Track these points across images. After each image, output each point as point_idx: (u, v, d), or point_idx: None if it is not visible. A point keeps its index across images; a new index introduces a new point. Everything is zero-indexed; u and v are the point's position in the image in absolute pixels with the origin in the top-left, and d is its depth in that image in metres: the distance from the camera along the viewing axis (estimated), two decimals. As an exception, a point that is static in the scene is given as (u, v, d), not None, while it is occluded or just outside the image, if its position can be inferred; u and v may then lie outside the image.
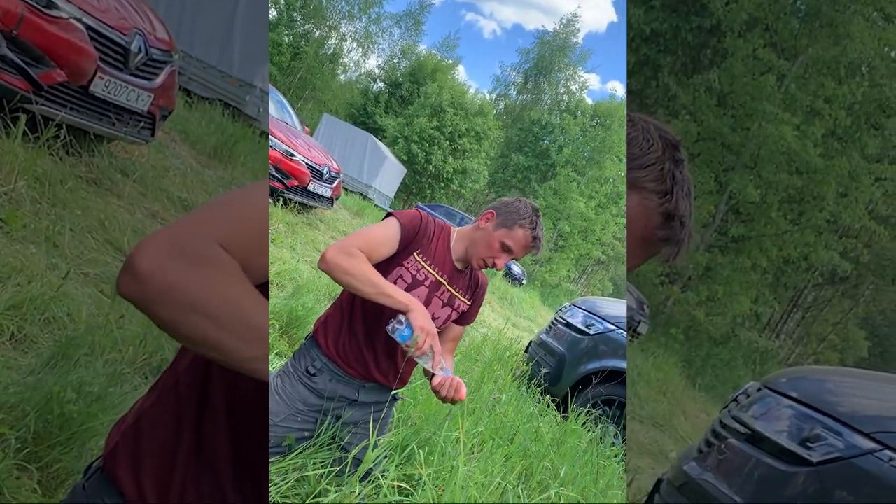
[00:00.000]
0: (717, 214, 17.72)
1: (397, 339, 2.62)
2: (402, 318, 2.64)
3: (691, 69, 19.73)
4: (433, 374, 2.79)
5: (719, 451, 3.72)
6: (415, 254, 2.91)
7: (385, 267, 2.89)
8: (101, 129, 6.78)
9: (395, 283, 2.87)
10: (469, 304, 3.13)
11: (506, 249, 2.92)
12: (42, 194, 5.71)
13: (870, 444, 3.07)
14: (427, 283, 2.93)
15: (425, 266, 2.93)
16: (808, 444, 3.20)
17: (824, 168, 16.78)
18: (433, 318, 2.93)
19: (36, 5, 5.63)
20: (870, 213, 18.36)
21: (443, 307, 3.01)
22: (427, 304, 2.93)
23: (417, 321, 2.61)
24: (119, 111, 6.82)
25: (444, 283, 2.98)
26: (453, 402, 2.78)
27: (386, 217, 2.94)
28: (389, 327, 2.64)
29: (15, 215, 5.09)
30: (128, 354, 4.05)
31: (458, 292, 3.05)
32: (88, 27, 6.09)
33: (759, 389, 3.93)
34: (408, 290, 2.87)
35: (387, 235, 2.86)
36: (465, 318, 3.18)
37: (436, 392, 2.79)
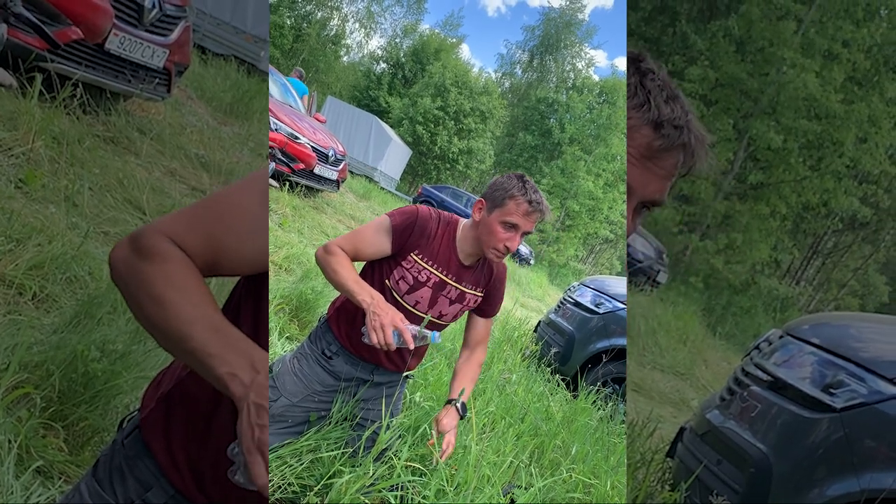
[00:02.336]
0: (735, 161, 17.63)
1: (368, 343, 2.58)
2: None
3: (708, 15, 19.53)
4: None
5: (742, 399, 3.72)
6: (412, 254, 2.86)
7: (386, 268, 2.90)
8: (117, 87, 6.78)
9: (397, 284, 2.87)
10: (481, 295, 3.09)
11: (509, 227, 2.77)
12: (60, 154, 5.72)
13: (893, 390, 3.06)
14: (430, 283, 2.90)
15: (426, 266, 2.88)
16: (831, 390, 3.20)
17: (844, 113, 16.64)
18: (441, 316, 2.97)
19: (47, -37, 5.61)
20: (890, 158, 18.22)
21: (451, 304, 2.99)
22: (433, 303, 2.93)
23: (368, 322, 2.56)
24: (135, 68, 6.82)
25: (450, 281, 2.94)
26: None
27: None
28: (363, 337, 2.61)
29: (34, 175, 5.11)
30: (151, 344, 4.07)
31: (467, 287, 3.00)
32: (101, -17, 6.07)
33: (780, 337, 3.92)
34: (410, 291, 2.87)
35: (374, 236, 2.86)
36: (485, 311, 3.17)
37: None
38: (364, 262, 2.99)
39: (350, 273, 2.74)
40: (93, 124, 6.78)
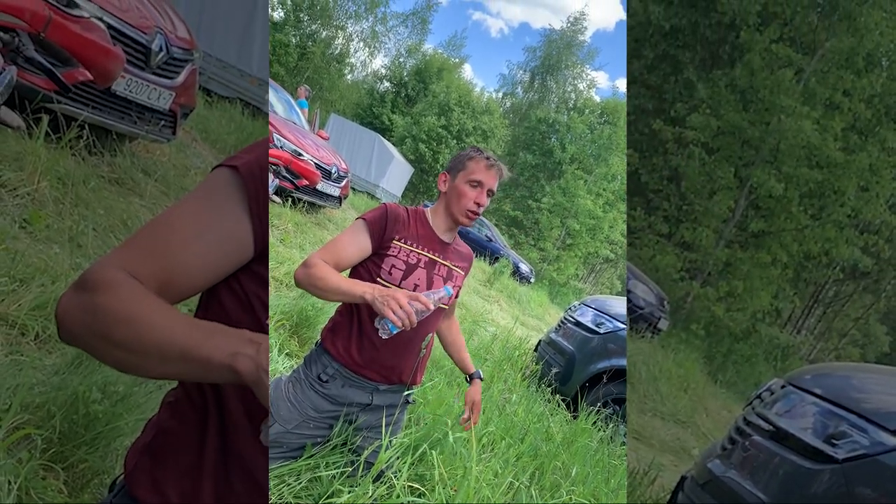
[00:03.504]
0: (736, 209, 17.64)
1: (392, 333, 2.56)
2: (378, 319, 2.61)
3: (710, 64, 19.66)
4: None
5: (743, 449, 3.71)
6: (395, 241, 2.93)
7: (374, 265, 2.94)
8: (122, 128, 6.82)
9: (390, 274, 2.90)
10: (463, 273, 3.19)
11: (475, 184, 3.01)
12: (65, 194, 5.74)
13: (895, 441, 3.06)
14: (422, 263, 2.96)
15: (413, 248, 2.95)
16: (833, 440, 3.19)
17: (844, 162, 16.67)
18: (440, 297, 2.96)
19: (57, 4, 5.66)
20: (890, 208, 18.22)
21: (445, 282, 3.03)
22: (430, 283, 2.96)
23: (381, 310, 2.54)
24: (141, 110, 6.87)
25: (438, 258, 3.02)
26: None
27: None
28: (379, 331, 2.60)
29: (38, 216, 5.12)
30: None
31: (453, 264, 3.09)
32: (110, 26, 6.12)
33: (782, 386, 3.92)
34: (405, 276, 2.91)
35: (352, 237, 2.91)
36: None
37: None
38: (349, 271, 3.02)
39: (338, 276, 2.74)
40: (98, 165, 6.81)
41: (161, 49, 6.72)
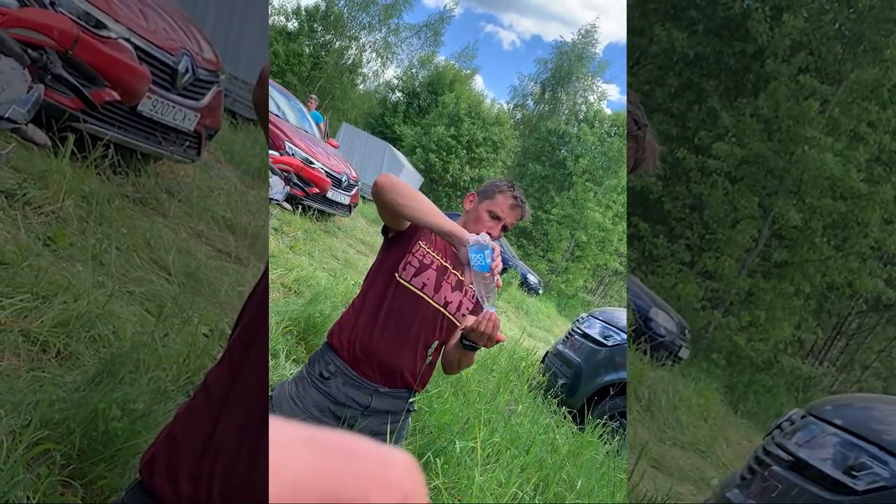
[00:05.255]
0: (759, 239, 17.58)
1: (476, 269, 2.51)
2: (476, 243, 2.53)
3: (734, 93, 19.64)
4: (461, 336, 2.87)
5: (763, 479, 3.69)
6: (419, 242, 2.99)
7: (395, 261, 2.99)
8: (147, 148, 6.87)
9: (404, 271, 2.96)
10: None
11: (493, 217, 3.04)
12: (89, 213, 5.78)
13: (916, 474, 3.03)
14: (434, 266, 3.00)
15: (430, 252, 3.00)
16: (853, 472, 3.17)
17: (868, 194, 16.60)
18: (446, 303, 3.02)
19: (86, 25, 5.72)
20: (915, 241, 18.12)
21: (453, 291, 3.05)
22: (438, 287, 3.00)
23: (488, 241, 2.54)
24: (166, 130, 6.92)
25: (449, 267, 3.04)
26: (489, 342, 2.77)
27: None
28: (472, 256, 2.52)
29: (62, 234, 5.16)
30: (172, 372, 4.08)
31: (464, 277, 3.04)
32: (137, 47, 6.18)
33: (803, 417, 3.90)
34: (416, 273, 2.96)
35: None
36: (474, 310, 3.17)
37: (473, 333, 2.78)
38: (377, 255, 3.12)
39: (430, 204, 2.77)
40: (122, 185, 6.86)
41: (187, 70, 6.77)
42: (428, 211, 2.71)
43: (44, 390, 3.27)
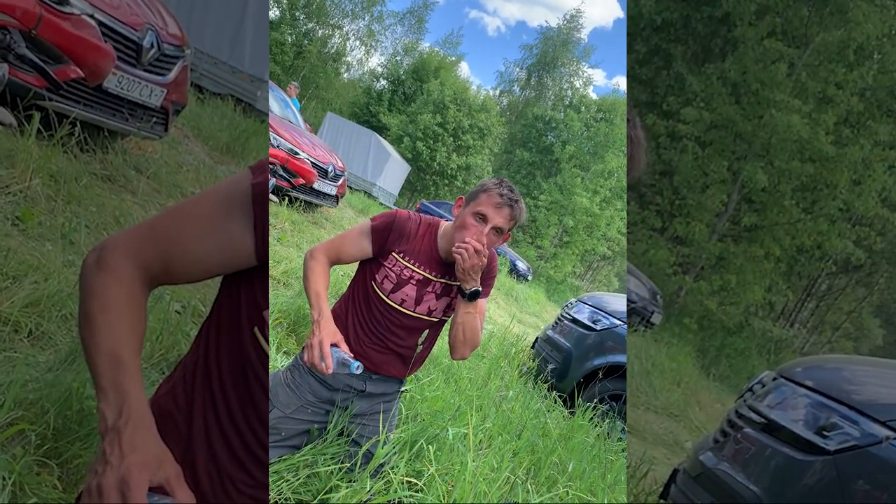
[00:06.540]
0: (729, 203, 17.68)
1: (351, 371, 2.51)
2: (338, 362, 2.56)
3: (702, 58, 19.67)
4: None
5: (735, 441, 3.72)
6: (394, 253, 2.95)
7: (370, 270, 2.99)
8: (114, 125, 6.81)
9: (382, 284, 2.95)
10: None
11: (480, 217, 2.83)
12: (57, 192, 5.73)
13: (886, 432, 3.07)
14: (413, 280, 2.95)
15: (408, 265, 2.94)
16: (824, 432, 3.20)
17: (836, 156, 16.69)
18: (430, 312, 3.02)
19: (49, 2, 5.65)
20: (883, 201, 18.23)
21: (438, 299, 3.03)
22: (419, 300, 2.98)
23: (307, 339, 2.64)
24: (132, 107, 6.85)
25: (433, 277, 2.98)
26: (472, 269, 2.79)
27: None
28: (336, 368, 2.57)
29: (31, 213, 5.12)
30: (145, 350, 4.06)
31: (453, 280, 3.01)
32: (101, 23, 6.10)
33: (774, 379, 3.93)
34: (395, 289, 2.94)
35: (356, 239, 2.98)
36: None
37: (461, 275, 2.83)
38: (357, 264, 3.09)
39: (316, 284, 2.82)
40: (90, 162, 6.80)
41: (152, 46, 6.70)
42: (308, 293, 2.82)
43: (16, 371, 3.25)
